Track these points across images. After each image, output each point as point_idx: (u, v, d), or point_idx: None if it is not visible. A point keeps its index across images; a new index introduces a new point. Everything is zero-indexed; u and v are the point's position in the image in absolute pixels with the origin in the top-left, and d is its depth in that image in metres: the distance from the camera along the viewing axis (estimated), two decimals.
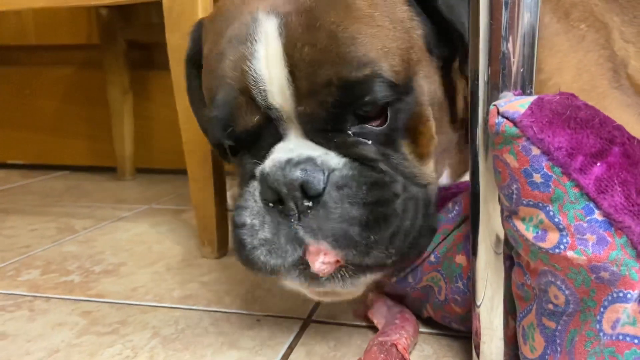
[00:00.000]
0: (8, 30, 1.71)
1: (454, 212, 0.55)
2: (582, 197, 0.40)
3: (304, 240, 0.50)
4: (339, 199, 0.49)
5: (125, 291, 0.79)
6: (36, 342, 0.64)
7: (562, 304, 0.42)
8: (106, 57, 1.53)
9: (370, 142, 0.52)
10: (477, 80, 0.45)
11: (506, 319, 0.48)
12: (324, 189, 0.50)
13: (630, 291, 0.39)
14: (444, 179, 0.65)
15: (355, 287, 0.54)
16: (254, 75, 0.51)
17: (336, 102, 0.50)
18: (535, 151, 0.40)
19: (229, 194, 1.00)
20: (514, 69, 0.44)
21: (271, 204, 0.52)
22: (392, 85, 0.51)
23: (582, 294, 0.41)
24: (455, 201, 0.56)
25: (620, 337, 0.40)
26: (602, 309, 0.40)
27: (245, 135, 0.54)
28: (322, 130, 0.52)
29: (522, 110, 0.41)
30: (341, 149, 0.52)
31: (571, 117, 0.41)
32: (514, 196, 0.42)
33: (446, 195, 0.58)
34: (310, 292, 0.56)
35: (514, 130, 0.41)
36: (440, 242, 0.56)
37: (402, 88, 0.52)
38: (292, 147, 0.52)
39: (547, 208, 0.41)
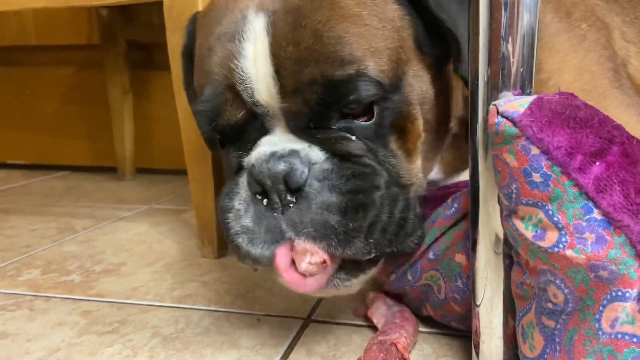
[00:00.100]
0: (8, 31, 1.71)
1: (453, 208, 0.55)
2: (581, 196, 0.40)
3: (285, 233, 0.51)
4: (319, 190, 0.50)
5: (126, 291, 0.79)
6: (36, 342, 0.64)
7: (561, 303, 0.42)
8: (106, 57, 1.53)
9: (355, 137, 0.53)
10: (477, 80, 0.45)
11: (506, 318, 0.49)
12: (306, 181, 0.51)
13: (629, 290, 0.39)
14: (436, 176, 0.65)
15: (349, 288, 0.55)
16: (241, 72, 0.52)
17: (320, 100, 0.51)
18: (535, 150, 0.41)
19: None
20: (513, 69, 0.44)
21: (258, 196, 0.53)
22: (378, 84, 0.51)
23: (581, 293, 0.41)
24: (455, 197, 0.56)
25: (619, 335, 0.40)
26: (601, 308, 0.40)
27: (231, 129, 0.55)
28: (306, 126, 0.53)
29: (522, 110, 0.42)
30: (325, 144, 0.52)
31: (570, 117, 0.41)
32: (514, 195, 0.42)
33: (445, 194, 0.58)
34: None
35: (514, 129, 0.41)
36: (438, 238, 0.57)
37: (389, 87, 0.53)
38: (276, 141, 0.53)
39: (546, 207, 0.41)
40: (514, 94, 0.44)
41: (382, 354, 0.52)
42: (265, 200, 0.52)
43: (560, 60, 0.65)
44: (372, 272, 0.56)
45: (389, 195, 0.53)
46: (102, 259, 0.93)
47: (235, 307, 0.72)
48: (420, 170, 0.58)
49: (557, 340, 0.43)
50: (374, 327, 0.62)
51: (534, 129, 0.40)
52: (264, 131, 0.54)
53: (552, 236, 0.41)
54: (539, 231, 0.41)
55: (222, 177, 0.90)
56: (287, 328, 0.65)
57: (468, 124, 0.48)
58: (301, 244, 0.50)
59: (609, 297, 0.40)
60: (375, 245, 0.52)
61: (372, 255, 0.52)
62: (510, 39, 0.43)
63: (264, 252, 0.52)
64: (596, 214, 0.40)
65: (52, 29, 1.67)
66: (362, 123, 0.53)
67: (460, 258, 0.55)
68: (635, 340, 0.40)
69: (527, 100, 0.42)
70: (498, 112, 0.42)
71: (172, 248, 0.98)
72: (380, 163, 0.54)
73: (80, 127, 1.73)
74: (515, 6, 0.43)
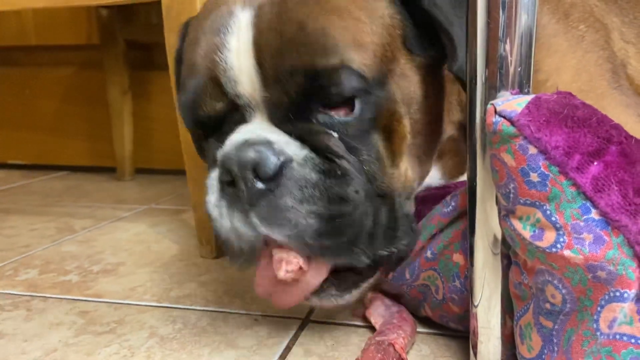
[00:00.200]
0: (8, 31, 1.71)
1: (451, 206, 0.55)
2: (579, 196, 0.40)
3: (256, 227, 0.50)
4: (293, 193, 0.49)
5: (123, 291, 0.79)
6: (33, 342, 0.64)
7: (559, 303, 0.42)
8: (106, 57, 1.53)
9: (336, 134, 0.52)
10: (475, 79, 0.45)
11: (503, 319, 0.48)
12: (278, 174, 0.49)
13: (627, 290, 0.39)
14: (437, 181, 0.65)
15: (344, 300, 0.55)
16: (224, 64, 0.52)
17: (301, 90, 0.50)
18: (533, 150, 0.40)
19: None
20: (511, 68, 0.44)
21: (227, 186, 0.52)
22: (361, 77, 0.51)
23: (579, 293, 0.41)
24: (453, 195, 0.56)
25: (617, 336, 0.40)
26: (599, 308, 0.40)
27: (211, 120, 0.55)
28: (286, 117, 0.52)
29: (520, 109, 0.41)
30: (305, 137, 0.52)
31: (568, 116, 0.41)
32: (511, 195, 0.42)
33: (444, 194, 0.58)
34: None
35: (511, 129, 0.41)
36: (435, 235, 0.56)
37: (373, 82, 0.52)
38: (252, 129, 0.53)
39: (544, 207, 0.41)
40: (512, 94, 0.44)
41: (379, 354, 0.52)
42: (232, 189, 0.51)
43: (558, 61, 0.65)
44: (366, 285, 0.56)
45: (367, 199, 0.52)
46: (100, 259, 0.93)
47: (233, 307, 0.71)
48: (406, 174, 0.57)
49: (555, 340, 0.43)
50: (372, 328, 0.62)
51: (532, 129, 0.40)
52: (244, 122, 0.54)
53: (550, 236, 0.41)
54: (536, 231, 0.41)
55: None
56: (285, 328, 0.65)
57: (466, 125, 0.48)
58: (277, 253, 0.51)
59: (607, 297, 0.40)
60: (357, 250, 0.52)
61: (354, 261, 0.52)
62: (508, 39, 0.43)
63: (238, 246, 0.52)
64: (594, 214, 0.39)
65: (52, 29, 1.67)
66: (343, 118, 0.52)
67: (458, 258, 0.55)
68: (633, 341, 0.40)
69: (524, 100, 0.42)
70: (496, 112, 0.42)
71: (171, 248, 0.98)
72: (361, 163, 0.53)
73: (80, 127, 1.73)
74: (513, 6, 0.43)
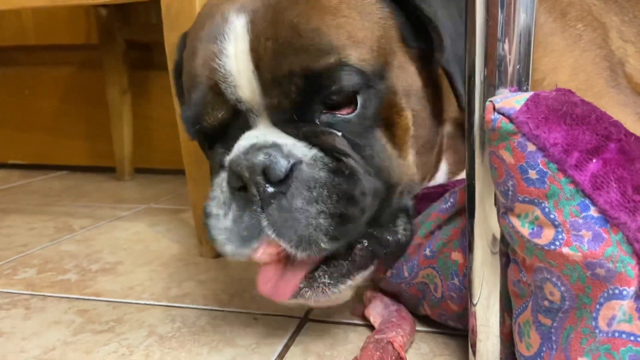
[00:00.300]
0: (7, 31, 1.71)
1: (449, 202, 0.55)
2: (578, 194, 0.40)
3: (265, 230, 0.50)
4: (303, 194, 0.49)
5: (122, 290, 0.78)
6: (31, 340, 0.64)
7: (557, 301, 0.42)
8: (105, 57, 1.53)
9: (340, 133, 0.52)
10: (474, 77, 0.45)
11: (502, 317, 0.48)
12: (288, 176, 0.50)
13: (626, 288, 0.39)
14: (440, 177, 0.65)
15: (337, 295, 0.55)
16: (223, 71, 0.53)
17: (301, 91, 0.51)
18: (531, 147, 0.40)
19: None
20: (510, 67, 0.44)
21: (238, 191, 0.52)
22: (361, 72, 0.51)
23: (577, 291, 0.41)
24: (452, 192, 0.56)
25: (616, 334, 0.40)
26: (597, 306, 0.40)
27: (215, 130, 0.56)
28: (289, 120, 0.52)
29: (518, 106, 0.41)
30: (310, 138, 0.52)
31: (567, 114, 0.41)
32: (510, 192, 0.42)
33: (442, 191, 0.58)
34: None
35: (510, 126, 0.41)
36: (433, 232, 0.56)
37: (373, 75, 0.53)
38: (258, 134, 0.53)
39: (543, 204, 0.41)
40: (511, 91, 0.44)
41: (378, 353, 0.52)
42: (243, 193, 0.51)
43: (555, 60, 0.65)
44: (359, 277, 0.56)
45: (375, 195, 0.53)
46: (99, 258, 0.93)
47: (232, 306, 0.71)
48: (413, 167, 0.58)
49: (554, 338, 0.43)
50: (370, 326, 0.61)
51: (531, 126, 0.40)
52: (248, 128, 0.54)
53: (548, 234, 0.40)
54: (535, 228, 0.41)
55: None
56: (284, 327, 0.65)
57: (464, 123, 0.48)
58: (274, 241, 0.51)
59: (605, 295, 0.40)
60: (361, 249, 0.53)
61: (358, 258, 0.53)
62: (506, 37, 0.43)
63: (247, 249, 0.52)
64: (593, 212, 0.39)
65: (51, 29, 1.67)
66: (346, 116, 0.52)
67: (456, 256, 0.54)
68: (632, 338, 0.40)
69: (523, 97, 0.42)
70: (494, 109, 0.42)
71: (170, 247, 0.98)
72: (367, 159, 0.53)
73: (79, 127, 1.73)
74: (512, 4, 0.43)
